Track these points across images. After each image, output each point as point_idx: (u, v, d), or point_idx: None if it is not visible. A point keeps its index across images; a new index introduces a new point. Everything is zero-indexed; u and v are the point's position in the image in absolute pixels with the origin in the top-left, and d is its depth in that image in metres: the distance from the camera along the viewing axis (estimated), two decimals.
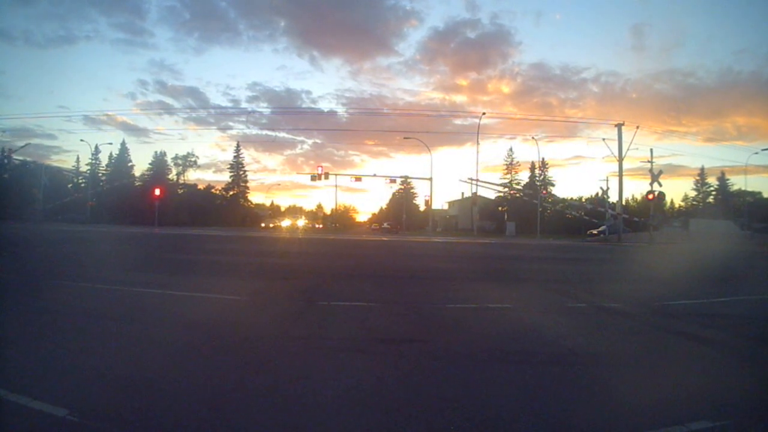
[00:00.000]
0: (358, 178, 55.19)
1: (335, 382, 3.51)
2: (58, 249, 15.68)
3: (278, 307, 6.47)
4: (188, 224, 55.57)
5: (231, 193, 77.98)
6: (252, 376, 3.63)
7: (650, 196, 35.82)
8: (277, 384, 3.46)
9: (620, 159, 38.58)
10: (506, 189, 69.96)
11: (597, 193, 61.69)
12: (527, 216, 52.97)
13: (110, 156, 72.88)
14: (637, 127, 38.56)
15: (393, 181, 59.50)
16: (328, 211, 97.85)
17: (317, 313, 6.10)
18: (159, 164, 74.52)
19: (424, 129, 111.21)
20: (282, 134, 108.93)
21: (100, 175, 71.68)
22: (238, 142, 79.21)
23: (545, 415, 3.03)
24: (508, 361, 4.22)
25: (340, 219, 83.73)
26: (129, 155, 73.91)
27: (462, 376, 3.75)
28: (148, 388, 3.27)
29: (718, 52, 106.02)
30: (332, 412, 2.98)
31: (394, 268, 12.37)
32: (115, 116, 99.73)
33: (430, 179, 51.44)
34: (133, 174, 74.23)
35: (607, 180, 46.33)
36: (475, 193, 48.81)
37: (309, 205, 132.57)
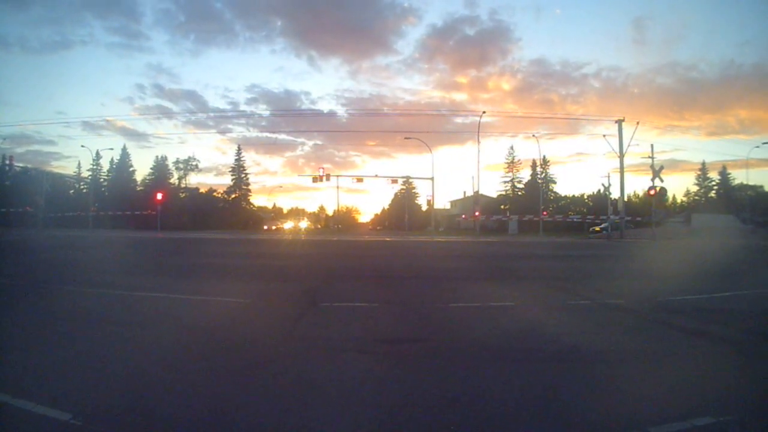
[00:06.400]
0: (359, 179, 55.20)
1: (338, 382, 3.53)
2: (61, 254, 15.75)
3: (281, 309, 6.48)
4: (191, 228, 55.73)
5: (233, 196, 78.07)
6: (254, 377, 3.65)
7: (652, 192, 35.68)
8: (279, 385, 3.47)
9: (621, 155, 38.51)
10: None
11: (599, 190, 61.45)
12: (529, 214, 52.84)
13: (111, 161, 73.11)
14: (638, 123, 38.49)
15: (395, 181, 59.53)
16: (330, 212, 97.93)
17: (320, 314, 6.12)
18: (160, 168, 74.68)
19: (424, 128, 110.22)
20: (282, 136, 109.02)
21: (101, 180, 71.93)
22: (239, 145, 79.29)
23: (548, 412, 3.04)
24: (511, 359, 4.22)
25: (343, 220, 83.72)
26: (130, 160, 74.14)
27: (464, 374, 3.77)
28: (151, 392, 3.29)
29: (721, 45, 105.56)
30: (335, 412, 2.99)
31: (396, 268, 12.38)
32: (114, 121, 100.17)
33: (432, 179, 51.48)
34: (135, 179, 74.47)
35: (609, 176, 46.07)
36: (477, 191, 48.81)
37: (311, 207, 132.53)
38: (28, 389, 3.25)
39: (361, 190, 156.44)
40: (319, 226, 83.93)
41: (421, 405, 3.11)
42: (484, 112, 48.14)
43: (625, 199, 42.52)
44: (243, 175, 79.07)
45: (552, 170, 74.64)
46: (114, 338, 4.82)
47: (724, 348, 4.78)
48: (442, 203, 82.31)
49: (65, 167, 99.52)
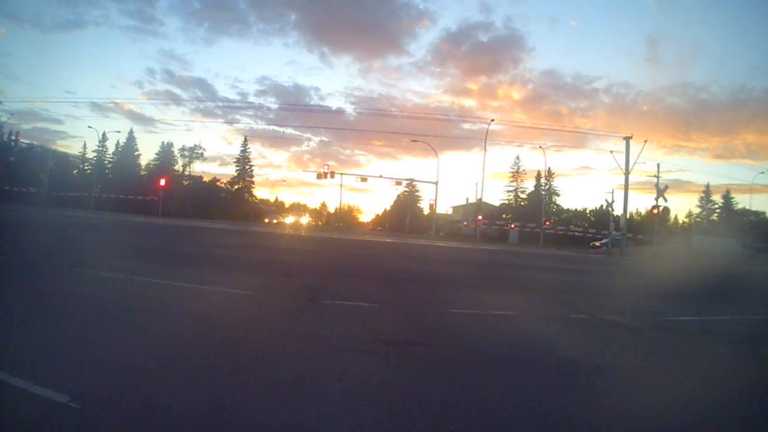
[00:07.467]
0: (363, 179, 55.13)
1: (338, 381, 3.54)
2: (61, 234, 15.78)
3: (282, 304, 6.50)
4: (192, 216, 55.72)
5: (236, 187, 78.08)
6: (254, 372, 3.66)
7: (655, 211, 35.78)
8: (278, 381, 3.49)
9: (627, 172, 38.44)
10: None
11: (601, 205, 61.39)
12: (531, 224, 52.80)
13: (117, 144, 73.11)
14: (645, 141, 38.48)
15: (398, 183, 59.59)
16: (332, 209, 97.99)
17: (320, 312, 6.13)
18: (165, 155, 74.79)
19: (432, 132, 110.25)
20: (289, 130, 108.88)
21: (106, 162, 72.01)
22: (245, 136, 79.32)
23: (545, 421, 3.06)
24: (510, 367, 4.23)
25: (344, 218, 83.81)
26: (136, 144, 74.13)
27: (464, 380, 3.78)
28: (149, 379, 3.30)
29: (732, 67, 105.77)
30: (335, 412, 3.00)
31: (397, 270, 12.39)
32: (122, 104, 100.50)
33: (436, 183, 51.44)
34: (139, 163, 74.54)
35: (613, 192, 45.98)
36: (480, 198, 48.80)
37: (313, 203, 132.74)
38: (26, 369, 3.24)
39: (365, 189, 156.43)
40: (321, 223, 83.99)
41: (421, 408, 3.12)
42: (492, 120, 48.15)
43: (628, 216, 42.48)
44: (247, 167, 79.10)
45: (556, 182, 74.74)
46: (114, 323, 4.82)
47: (722, 369, 4.80)
48: (444, 208, 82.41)
49: (70, 147, 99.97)
